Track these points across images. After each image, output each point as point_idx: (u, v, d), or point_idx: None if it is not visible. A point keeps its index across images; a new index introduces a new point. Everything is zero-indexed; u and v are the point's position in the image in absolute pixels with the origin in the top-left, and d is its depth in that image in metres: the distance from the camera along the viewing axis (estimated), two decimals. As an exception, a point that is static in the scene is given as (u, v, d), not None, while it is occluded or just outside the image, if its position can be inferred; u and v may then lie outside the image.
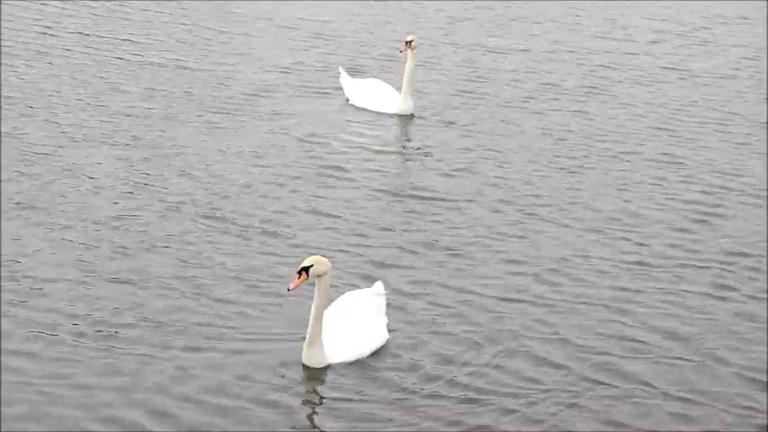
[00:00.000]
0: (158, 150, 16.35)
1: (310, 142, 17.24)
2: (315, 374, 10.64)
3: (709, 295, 12.68)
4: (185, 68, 20.71)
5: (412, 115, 18.92)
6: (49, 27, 23.03)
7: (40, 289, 11.88)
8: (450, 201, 15.17)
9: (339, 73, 19.77)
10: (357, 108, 19.16)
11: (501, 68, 22.06)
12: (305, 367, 10.68)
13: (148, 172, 15.45)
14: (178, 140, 16.83)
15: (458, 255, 13.43)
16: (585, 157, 17.24)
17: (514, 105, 19.71)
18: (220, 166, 15.96)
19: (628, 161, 17.13)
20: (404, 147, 17.87)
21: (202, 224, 13.78)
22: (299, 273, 10.39)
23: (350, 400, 10.31)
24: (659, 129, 18.85)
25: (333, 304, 11.19)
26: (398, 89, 19.02)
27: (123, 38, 22.63)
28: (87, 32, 22.82)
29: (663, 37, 25.62)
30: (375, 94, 19.18)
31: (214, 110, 18.47)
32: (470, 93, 20.30)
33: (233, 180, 15.40)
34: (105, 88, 19.20)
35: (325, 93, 19.89)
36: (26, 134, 16.65)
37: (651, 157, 17.37)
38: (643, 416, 10.26)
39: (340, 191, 15.33)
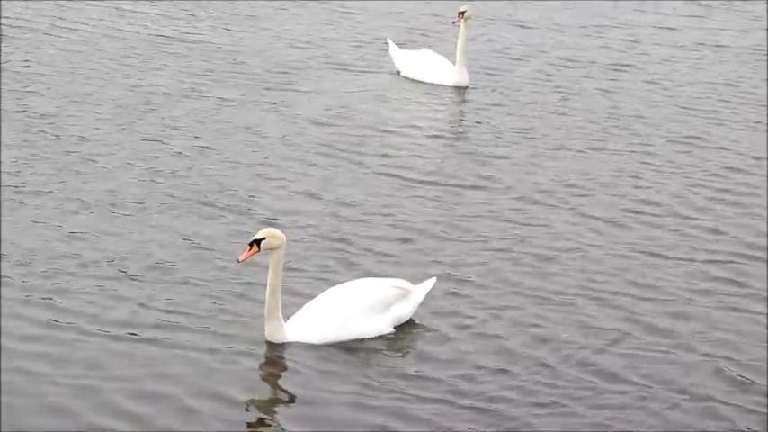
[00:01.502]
0: (184, 128, 16.07)
1: (350, 119, 16.92)
2: (274, 350, 10.40)
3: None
4: (215, 45, 20.36)
5: (466, 87, 18.66)
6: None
7: (56, 280, 11.53)
8: (485, 187, 14.59)
9: (387, 45, 19.50)
10: (410, 80, 18.97)
11: (537, 44, 21.58)
12: (267, 342, 10.46)
13: (169, 153, 15.14)
14: (201, 115, 16.56)
15: (485, 243, 12.91)
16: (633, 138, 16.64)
17: (553, 82, 19.24)
18: (261, 144, 15.64)
19: (656, 144, 16.48)
20: (452, 125, 17.51)
21: (218, 210, 13.36)
22: (251, 245, 10.17)
23: (289, 379, 10.10)
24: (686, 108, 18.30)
25: (340, 285, 10.90)
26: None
27: (148, 13, 22.36)
28: (107, 7, 22.57)
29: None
30: (429, 66, 18.90)
31: (255, 87, 18.15)
32: (508, 70, 19.87)
33: (264, 161, 15.05)
34: (130, 63, 19.00)
35: (367, 66, 19.63)
36: (59, 116, 16.44)
37: (677, 139, 16.74)
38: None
39: (373, 173, 14.93)
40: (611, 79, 19.80)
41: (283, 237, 10.32)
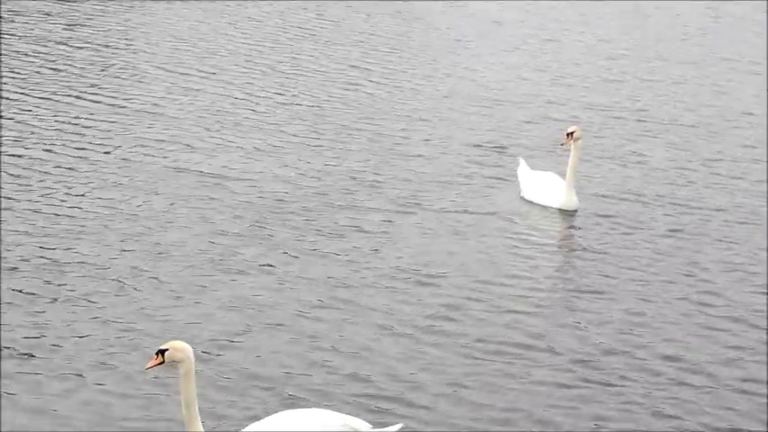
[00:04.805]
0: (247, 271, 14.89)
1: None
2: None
3: None
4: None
5: (575, 211, 17.57)
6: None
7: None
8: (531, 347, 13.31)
9: (518, 164, 18.62)
10: (527, 202, 17.99)
11: (657, 178, 19.72)
12: None
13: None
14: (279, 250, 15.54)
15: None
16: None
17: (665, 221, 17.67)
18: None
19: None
20: (535, 263, 15.91)
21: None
22: (157, 354, 10.02)
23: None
24: None
25: (289, 413, 10.44)
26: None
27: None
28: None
29: None
30: (545, 188, 17.89)
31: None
32: (621, 199, 18.48)
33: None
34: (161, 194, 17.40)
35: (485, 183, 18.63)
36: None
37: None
38: None
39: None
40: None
41: (187, 350, 10.00)
